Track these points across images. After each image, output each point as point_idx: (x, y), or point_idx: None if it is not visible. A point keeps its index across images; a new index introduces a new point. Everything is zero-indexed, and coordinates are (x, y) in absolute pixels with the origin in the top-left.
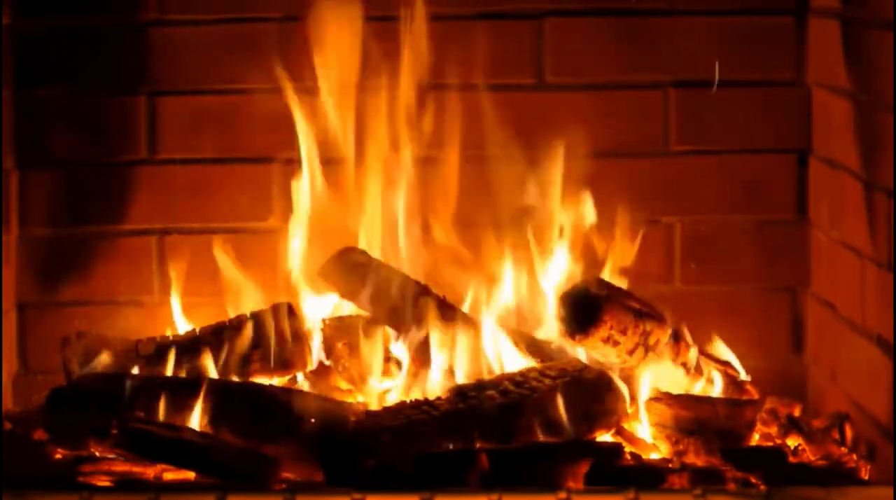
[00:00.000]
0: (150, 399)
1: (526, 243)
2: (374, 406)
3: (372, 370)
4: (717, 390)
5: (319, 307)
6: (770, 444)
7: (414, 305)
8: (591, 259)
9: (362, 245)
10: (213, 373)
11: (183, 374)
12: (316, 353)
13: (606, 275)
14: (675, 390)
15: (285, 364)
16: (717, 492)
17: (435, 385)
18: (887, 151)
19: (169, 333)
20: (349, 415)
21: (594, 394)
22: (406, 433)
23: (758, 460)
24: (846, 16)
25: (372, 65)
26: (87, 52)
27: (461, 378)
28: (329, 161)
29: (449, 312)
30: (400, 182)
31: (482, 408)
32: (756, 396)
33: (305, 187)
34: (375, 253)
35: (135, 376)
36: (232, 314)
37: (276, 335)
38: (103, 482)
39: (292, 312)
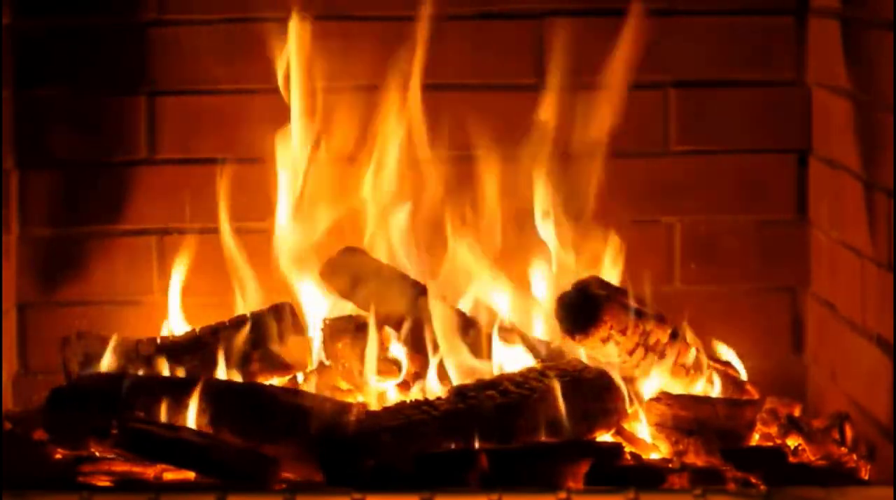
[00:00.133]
0: (150, 399)
1: (526, 243)
2: (374, 406)
3: (372, 370)
4: (717, 390)
5: (319, 307)
6: (770, 444)
7: (414, 305)
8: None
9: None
10: (212, 373)
11: (183, 374)
12: (316, 353)
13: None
14: (675, 390)
15: (285, 364)
16: (717, 492)
17: (435, 385)
18: (887, 151)
19: (169, 333)
20: (349, 415)
21: (594, 394)
22: (406, 433)
23: (758, 460)
24: (846, 16)
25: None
26: (87, 52)
27: (461, 378)
28: (329, 162)
29: (449, 312)
30: (401, 182)
31: (482, 408)
32: (756, 396)
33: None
34: (376, 253)
35: (135, 376)
36: (232, 314)
37: (276, 335)
38: (103, 482)
39: (292, 312)
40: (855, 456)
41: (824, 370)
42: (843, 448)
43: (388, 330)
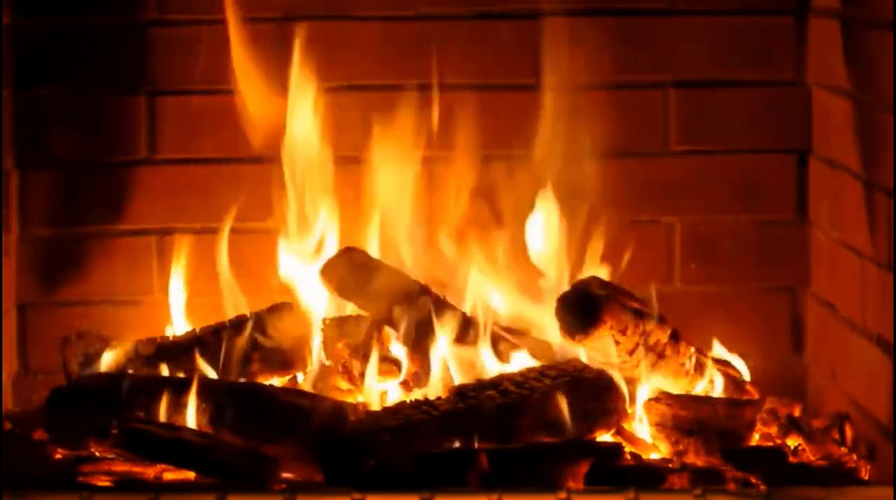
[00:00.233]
0: (150, 399)
1: (526, 243)
2: (374, 406)
3: (372, 370)
4: (717, 390)
5: (319, 307)
6: (770, 444)
7: (414, 305)
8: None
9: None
10: (212, 373)
11: (183, 374)
12: (316, 353)
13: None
14: (676, 391)
15: (285, 364)
16: (717, 492)
17: (435, 385)
18: (887, 151)
19: (169, 333)
20: (349, 415)
21: (594, 394)
22: (406, 433)
23: (758, 460)
24: (846, 16)
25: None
26: (87, 52)
27: (461, 378)
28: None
29: (449, 312)
30: (401, 182)
31: (482, 408)
32: (756, 396)
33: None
34: (376, 253)
35: (135, 376)
36: (232, 314)
37: (276, 335)
38: (103, 482)
39: (293, 311)
40: (855, 456)
41: (824, 370)
42: (843, 448)
43: (388, 330)
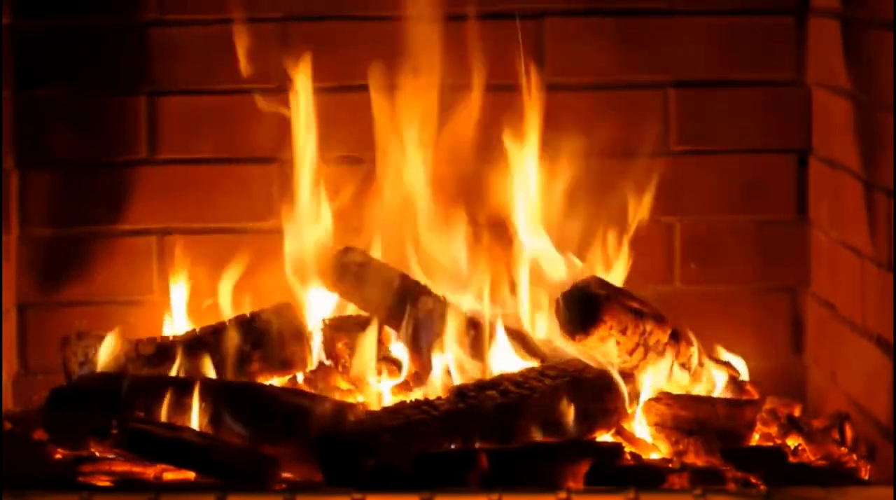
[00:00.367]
0: (150, 399)
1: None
2: (374, 406)
3: (372, 370)
4: (717, 390)
5: (319, 307)
6: (770, 444)
7: (414, 305)
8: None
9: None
10: (212, 373)
11: (183, 374)
12: (316, 353)
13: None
14: (676, 391)
15: (285, 364)
16: (717, 492)
17: (435, 385)
18: (887, 151)
19: (169, 333)
20: (349, 415)
21: (594, 394)
22: (406, 433)
23: (758, 460)
24: (846, 16)
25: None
26: (87, 52)
27: (461, 378)
28: (330, 161)
29: (450, 311)
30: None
31: (482, 408)
32: (756, 396)
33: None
34: (376, 253)
35: (135, 376)
36: (232, 314)
37: (276, 335)
38: (103, 482)
39: (293, 311)
40: (855, 456)
41: (824, 370)
42: (843, 448)
43: (388, 330)
